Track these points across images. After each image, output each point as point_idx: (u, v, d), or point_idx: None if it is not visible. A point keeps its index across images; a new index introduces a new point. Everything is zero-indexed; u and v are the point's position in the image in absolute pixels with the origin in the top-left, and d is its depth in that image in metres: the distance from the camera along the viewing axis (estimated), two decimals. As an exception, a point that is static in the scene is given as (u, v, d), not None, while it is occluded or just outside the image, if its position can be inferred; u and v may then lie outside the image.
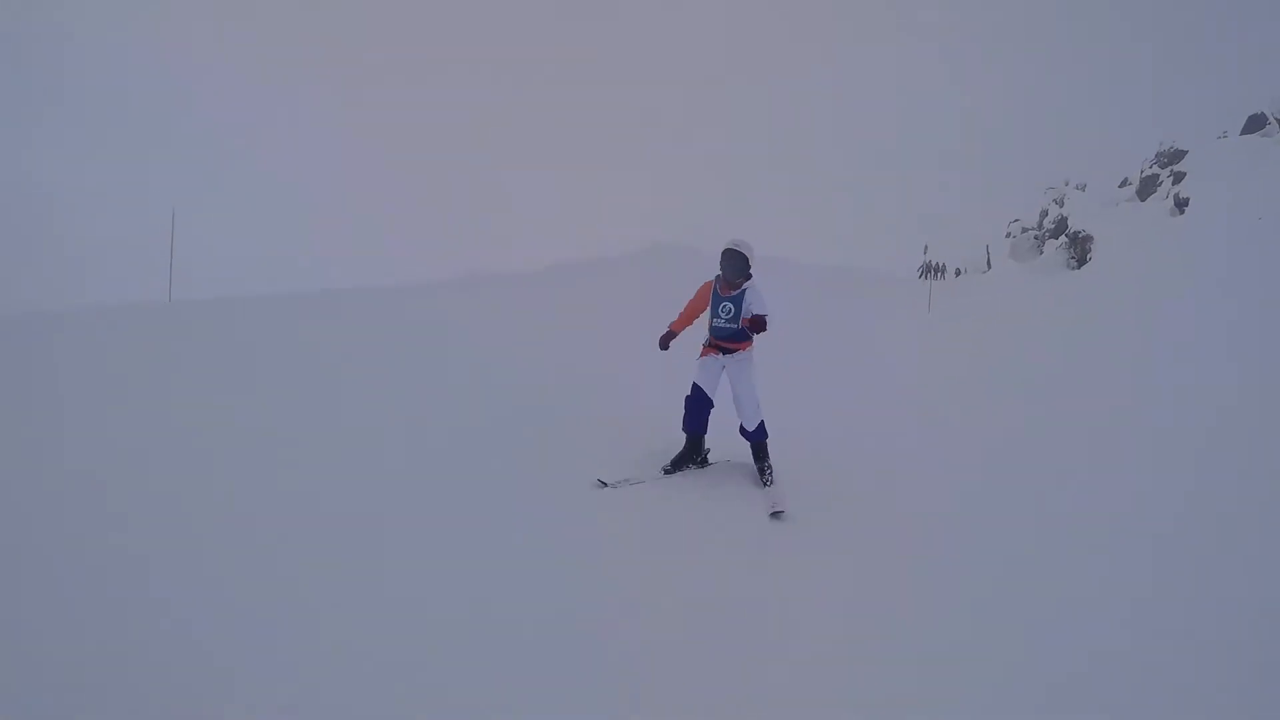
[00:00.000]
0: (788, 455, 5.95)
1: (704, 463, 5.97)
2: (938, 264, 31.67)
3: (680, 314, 6.06)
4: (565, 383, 7.04)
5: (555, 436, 5.92)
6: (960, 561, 4.65)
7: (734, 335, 5.76)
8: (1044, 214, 33.92)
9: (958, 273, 31.63)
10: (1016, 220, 35.93)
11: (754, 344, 5.84)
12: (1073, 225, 26.85)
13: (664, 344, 5.98)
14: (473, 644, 3.29)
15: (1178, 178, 26.11)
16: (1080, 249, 24.57)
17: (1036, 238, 32.23)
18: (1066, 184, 36.41)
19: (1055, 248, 27.56)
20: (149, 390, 5.01)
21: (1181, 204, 23.60)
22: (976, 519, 5.38)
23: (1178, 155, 30.31)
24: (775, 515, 5.25)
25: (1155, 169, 29.71)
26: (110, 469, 3.99)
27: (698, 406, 5.82)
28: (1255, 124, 27.46)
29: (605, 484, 5.31)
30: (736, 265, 5.70)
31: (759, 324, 5.46)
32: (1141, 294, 15.33)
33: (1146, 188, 28.49)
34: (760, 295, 5.72)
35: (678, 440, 5.90)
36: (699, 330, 6.03)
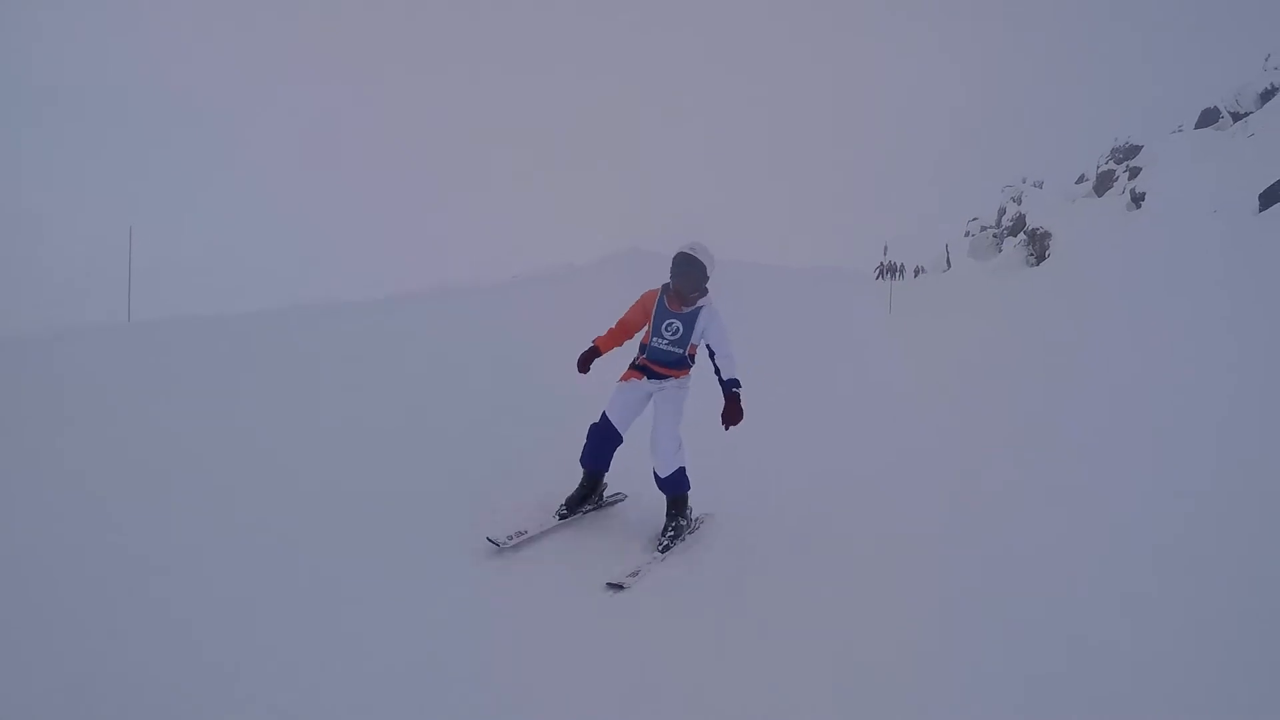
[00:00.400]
0: (742, 455, 5.68)
1: (600, 501, 4.95)
2: (897, 264, 31.36)
3: (610, 329, 4.81)
4: (553, 389, 6.78)
5: (545, 441, 5.70)
6: (954, 560, 4.51)
7: (676, 362, 4.65)
8: (1002, 212, 33.98)
9: (917, 272, 31.41)
10: (975, 219, 35.98)
11: (691, 372, 4.71)
12: (1031, 222, 26.73)
13: (583, 365, 4.74)
14: (473, 645, 3.28)
15: (1134, 172, 26.17)
16: (1039, 246, 24.39)
17: (995, 236, 32.19)
18: (1024, 181, 36.51)
19: (1014, 245, 27.45)
20: (135, 406, 4.74)
21: (1138, 198, 23.55)
22: (972, 517, 5.18)
23: (1133, 150, 30.45)
24: (613, 586, 3.94)
25: (1111, 164, 29.80)
26: (109, 472, 3.89)
27: (603, 441, 4.72)
28: (1209, 118, 27.74)
29: (497, 544, 4.16)
30: (692, 275, 4.53)
31: (734, 412, 4.34)
32: (1101, 289, 15.16)
33: (1103, 183, 28.58)
34: (721, 324, 4.58)
35: (640, 458, 4.86)
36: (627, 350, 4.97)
